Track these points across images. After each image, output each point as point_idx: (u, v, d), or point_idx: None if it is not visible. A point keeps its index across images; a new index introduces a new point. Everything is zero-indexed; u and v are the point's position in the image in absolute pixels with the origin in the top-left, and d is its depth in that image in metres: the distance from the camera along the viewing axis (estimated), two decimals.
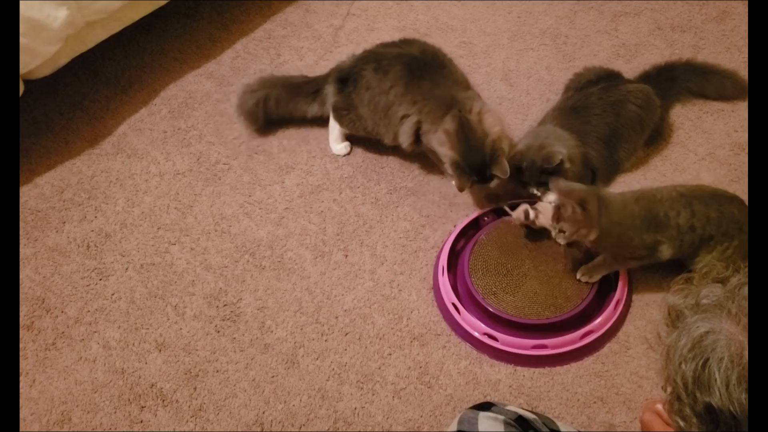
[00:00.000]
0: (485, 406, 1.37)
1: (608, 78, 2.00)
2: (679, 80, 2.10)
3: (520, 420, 1.33)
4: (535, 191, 1.81)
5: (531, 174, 1.79)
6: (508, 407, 1.37)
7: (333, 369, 1.72)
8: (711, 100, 2.14)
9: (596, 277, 1.72)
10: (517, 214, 1.76)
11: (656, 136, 2.03)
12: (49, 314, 1.85)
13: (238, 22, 2.52)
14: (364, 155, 2.13)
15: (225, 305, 1.85)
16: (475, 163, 1.79)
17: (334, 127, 2.11)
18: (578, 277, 1.73)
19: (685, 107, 2.15)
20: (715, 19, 2.35)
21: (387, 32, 2.45)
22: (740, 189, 1.89)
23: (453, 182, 2.02)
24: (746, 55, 2.21)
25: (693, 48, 2.28)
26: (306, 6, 2.57)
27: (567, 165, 1.77)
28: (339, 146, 2.13)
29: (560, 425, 1.37)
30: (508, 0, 2.48)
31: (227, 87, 2.33)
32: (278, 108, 2.12)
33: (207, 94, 2.32)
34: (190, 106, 2.29)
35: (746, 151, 2.04)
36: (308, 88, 2.12)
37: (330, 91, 2.08)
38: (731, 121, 2.11)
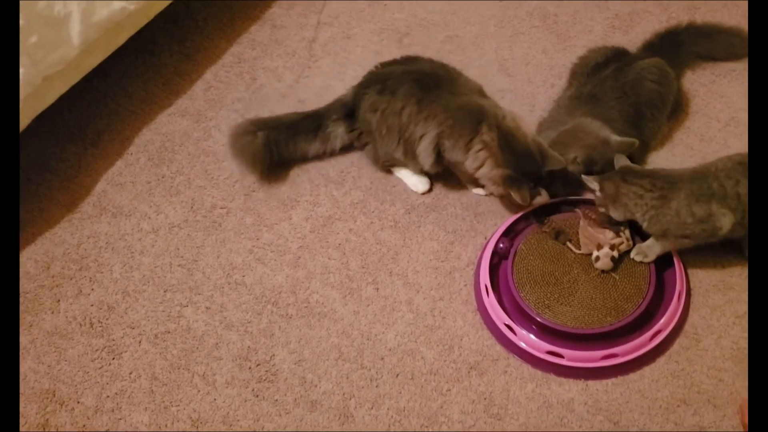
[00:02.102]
0: None
1: (616, 58, 1.90)
2: (685, 46, 2.02)
3: None
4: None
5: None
6: None
7: (391, 416, 1.59)
8: (721, 62, 2.06)
9: (652, 257, 1.64)
10: (605, 262, 1.63)
11: (676, 108, 1.94)
12: (63, 407, 1.67)
13: (202, 50, 2.33)
14: (371, 176, 1.98)
15: (258, 365, 1.69)
16: (529, 169, 1.68)
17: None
18: (632, 256, 1.64)
19: (696, 73, 2.06)
20: None
21: (365, 37, 2.31)
22: None
23: (477, 191, 1.90)
24: (746, 9, 2.13)
25: (689, 9, 2.19)
26: (272, 21, 2.40)
27: None
28: (415, 181, 1.92)
29: None
30: None
31: (206, 123, 2.16)
32: (279, 150, 1.96)
33: (185, 133, 2.14)
34: (169, 149, 2.11)
35: None
36: (308, 125, 1.96)
37: (340, 132, 1.95)
38: (746, 80, 2.03)
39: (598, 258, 1.63)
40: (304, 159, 2.00)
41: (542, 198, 1.74)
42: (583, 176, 1.66)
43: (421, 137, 1.79)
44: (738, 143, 1.90)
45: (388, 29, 2.31)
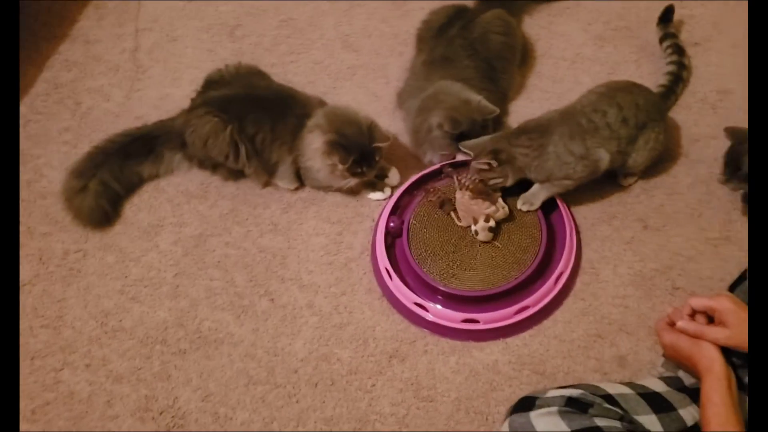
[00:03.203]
0: (527, 404, 1.23)
1: (458, 16, 1.88)
2: None
3: (571, 402, 1.21)
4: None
5: (474, 134, 1.64)
6: (549, 394, 1.24)
7: (320, 428, 1.49)
8: (554, 2, 2.10)
9: (538, 204, 1.63)
10: (484, 235, 1.59)
11: (524, 55, 1.96)
12: None
13: None
14: (236, 182, 1.84)
15: (161, 413, 1.53)
16: (355, 139, 1.63)
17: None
18: (519, 206, 1.63)
19: (534, 17, 2.09)
20: None
21: (193, 36, 2.14)
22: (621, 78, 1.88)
23: (373, 196, 1.81)
24: None
25: None
26: (83, 37, 2.17)
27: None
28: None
29: (605, 386, 1.28)
30: None
31: (34, 162, 1.91)
32: (120, 183, 1.79)
33: None
34: None
35: (609, 41, 2.03)
36: (138, 147, 1.81)
37: (178, 158, 1.83)
38: (581, 15, 2.09)
39: (477, 232, 1.60)
40: (140, 182, 1.84)
41: (393, 178, 1.78)
42: (473, 162, 1.59)
43: (276, 162, 1.75)
44: (588, 78, 1.95)
45: (216, 24, 2.16)
